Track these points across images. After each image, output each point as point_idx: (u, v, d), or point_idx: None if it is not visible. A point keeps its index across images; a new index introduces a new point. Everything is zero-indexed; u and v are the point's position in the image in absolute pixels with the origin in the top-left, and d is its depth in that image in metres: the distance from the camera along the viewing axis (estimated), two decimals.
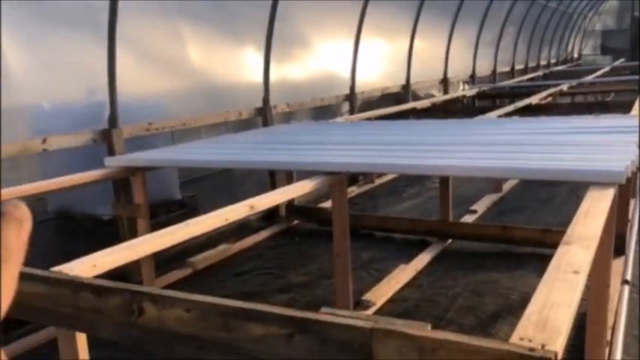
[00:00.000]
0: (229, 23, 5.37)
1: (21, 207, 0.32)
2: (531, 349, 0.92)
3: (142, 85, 4.54)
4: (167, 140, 4.67)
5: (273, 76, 5.51)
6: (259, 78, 5.44)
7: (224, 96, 5.23)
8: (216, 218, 2.06)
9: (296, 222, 5.07)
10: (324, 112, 6.29)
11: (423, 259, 4.03)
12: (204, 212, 2.17)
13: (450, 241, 4.40)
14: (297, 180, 3.27)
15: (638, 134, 2.99)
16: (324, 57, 6.73)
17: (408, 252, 4.15)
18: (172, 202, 4.75)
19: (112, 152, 3.84)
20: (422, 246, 4.29)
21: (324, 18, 6.59)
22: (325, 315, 1.11)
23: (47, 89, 4.02)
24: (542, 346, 0.94)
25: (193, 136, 4.72)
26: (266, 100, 5.42)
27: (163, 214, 4.45)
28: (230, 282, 3.85)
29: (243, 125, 5.11)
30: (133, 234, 3.41)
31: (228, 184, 4.55)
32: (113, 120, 3.92)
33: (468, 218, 4.92)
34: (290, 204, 4.95)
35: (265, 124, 5.31)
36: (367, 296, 3.37)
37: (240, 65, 5.61)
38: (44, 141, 3.52)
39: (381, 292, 3.46)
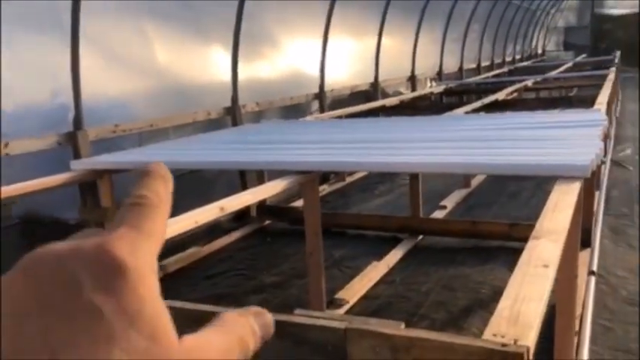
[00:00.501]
0: (197, 22, 5.31)
1: (164, 167, 0.36)
2: (504, 345, 0.92)
3: (108, 86, 4.45)
4: (135, 142, 4.59)
5: (241, 75, 5.47)
6: (228, 77, 5.40)
7: (192, 96, 5.17)
8: (185, 221, 2.03)
9: (268, 222, 5.04)
10: (293, 110, 6.28)
11: (395, 256, 4.05)
12: (174, 214, 2.14)
13: (421, 237, 4.44)
14: (269, 180, 3.25)
15: (601, 128, 3.06)
16: (293, 55, 6.72)
17: (380, 249, 4.17)
18: None
19: (77, 155, 3.76)
20: (394, 242, 4.31)
21: (293, 16, 6.57)
22: (299, 317, 1.10)
23: (9, 91, 3.91)
24: (515, 341, 0.94)
25: (161, 137, 4.64)
26: (235, 99, 5.38)
27: None
28: (201, 285, 3.81)
29: (212, 125, 5.06)
30: None
31: (198, 185, 4.50)
32: (78, 122, 3.84)
33: (438, 214, 4.97)
34: (261, 204, 4.92)
35: (234, 123, 5.27)
36: (340, 294, 3.38)
37: (209, 64, 5.55)
38: (6, 145, 3.42)
39: (354, 290, 3.47)
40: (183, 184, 4.92)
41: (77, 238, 0.30)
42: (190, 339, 0.31)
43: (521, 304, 1.08)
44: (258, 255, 4.33)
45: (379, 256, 4.02)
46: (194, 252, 4.26)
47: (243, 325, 0.35)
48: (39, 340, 0.26)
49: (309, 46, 6.88)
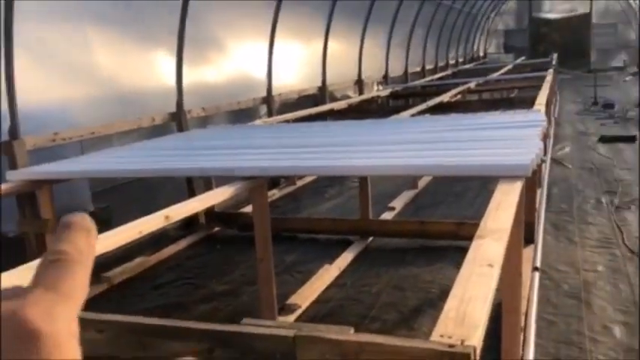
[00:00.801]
0: (141, 26, 5.19)
1: (87, 218, 0.34)
2: (451, 346, 0.93)
3: (46, 93, 4.29)
4: (77, 150, 4.44)
5: (187, 80, 5.38)
6: (173, 82, 5.30)
7: (136, 102, 5.05)
8: (129, 231, 1.97)
9: (217, 229, 4.97)
10: (241, 115, 6.22)
11: (345, 259, 4.07)
12: (119, 224, 2.07)
13: (371, 238, 4.47)
14: (216, 186, 3.20)
15: (540, 128, 3.16)
16: (240, 59, 6.66)
17: (332, 252, 4.18)
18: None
19: (14, 165, 3.60)
20: (345, 245, 4.33)
21: (239, 20, 6.52)
22: (246, 326, 1.07)
23: None
24: (462, 341, 0.95)
25: (105, 144, 4.50)
26: (180, 104, 5.28)
27: None
28: (149, 295, 3.71)
29: (157, 132, 4.95)
30: (42, 252, 3.21)
31: (144, 193, 4.39)
32: (14, 131, 3.68)
33: (387, 215, 5.03)
34: (209, 211, 4.84)
35: (180, 129, 5.17)
36: (292, 300, 3.36)
37: (153, 69, 5.43)
38: None
39: (306, 295, 3.45)
40: (127, 192, 4.80)
41: None
42: None
43: (467, 305, 1.09)
44: (207, 263, 4.26)
45: (330, 259, 4.02)
46: (141, 262, 4.15)
47: None
48: None
49: (256, 50, 6.84)
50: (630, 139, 8.09)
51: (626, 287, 3.39)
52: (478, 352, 0.95)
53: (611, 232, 4.34)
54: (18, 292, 0.29)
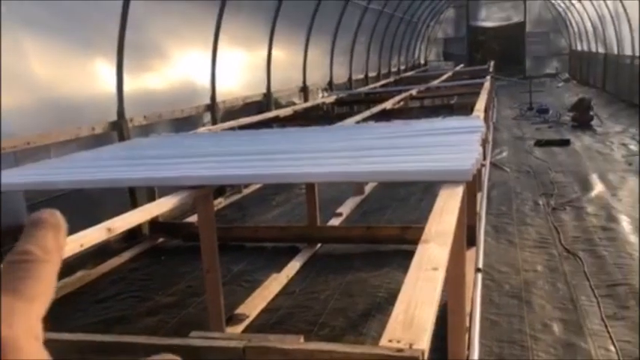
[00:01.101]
0: (79, 34, 5.02)
1: (56, 214, 0.33)
2: (399, 350, 0.95)
3: None
4: (10, 162, 4.25)
5: (128, 88, 5.25)
6: (113, 90, 5.16)
7: (75, 111, 4.88)
8: (70, 244, 1.89)
9: (161, 240, 4.87)
10: (184, 123, 6.12)
11: (294, 266, 4.06)
12: None
13: (319, 245, 4.49)
14: (160, 196, 3.14)
15: (480, 134, 3.26)
16: (183, 67, 6.56)
17: (280, 260, 4.17)
18: (20, 228, 4.32)
19: None
20: (293, 252, 4.33)
21: (181, 27, 6.42)
22: (195, 339, 1.06)
23: None
24: (410, 345, 0.97)
25: (42, 155, 4.33)
26: (121, 113, 5.15)
27: (10, 242, 4.04)
28: (91, 309, 3.59)
29: (97, 141, 4.80)
30: None
31: (85, 205, 4.25)
32: None
33: (335, 221, 5.06)
34: (154, 221, 4.73)
35: (122, 138, 5.04)
36: (240, 309, 3.32)
37: (92, 78, 5.27)
38: None
39: (255, 304, 3.43)
40: (65, 204, 4.63)
41: None
42: None
43: (415, 309, 1.11)
44: (152, 275, 4.16)
45: (279, 267, 4.01)
46: (82, 276, 4.01)
47: None
48: None
49: (200, 57, 6.76)
50: (564, 143, 8.46)
51: (564, 286, 3.54)
52: (426, 355, 0.96)
53: (548, 233, 4.52)
54: None
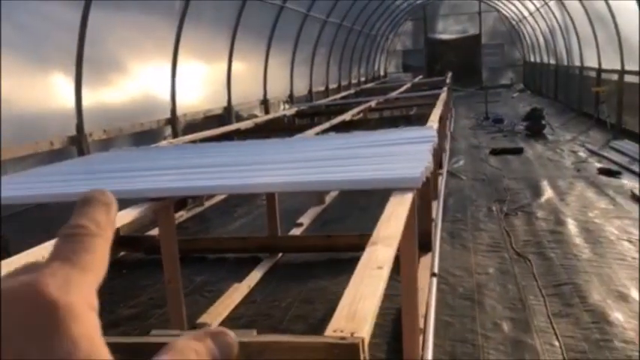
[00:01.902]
0: (35, 49, 5.01)
1: (107, 192, 0.34)
2: (342, 338, 1.05)
3: None
4: None
5: (87, 103, 5.25)
6: (72, 105, 5.15)
7: (33, 126, 4.86)
8: (31, 257, 1.94)
9: (122, 253, 4.87)
10: (145, 137, 6.13)
11: (255, 276, 4.13)
12: (17, 252, 2.03)
13: (280, 254, 4.57)
14: (120, 209, 3.17)
15: (431, 144, 3.41)
16: (143, 80, 6.58)
17: (242, 270, 4.23)
18: None
19: None
20: (254, 263, 4.39)
21: (140, 40, 6.45)
22: (155, 337, 1.14)
23: None
24: (352, 334, 1.07)
25: None
26: (80, 127, 5.14)
27: None
28: None
29: (57, 156, 4.79)
30: None
31: (44, 221, 4.22)
32: None
33: (296, 231, 5.15)
34: (115, 235, 4.73)
35: (81, 153, 5.03)
36: (202, 319, 3.38)
37: (51, 92, 5.25)
38: None
39: (217, 313, 3.48)
40: (23, 221, 4.60)
41: (10, 275, 0.28)
42: None
43: (359, 302, 1.22)
44: (113, 288, 4.16)
45: (240, 277, 4.07)
46: None
47: (198, 351, 0.31)
48: None
49: (160, 71, 6.79)
50: (518, 151, 8.78)
51: (513, 287, 3.71)
52: (367, 341, 1.07)
53: (500, 238, 4.72)
54: (33, 267, 0.29)
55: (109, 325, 3.46)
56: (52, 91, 5.27)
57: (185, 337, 0.32)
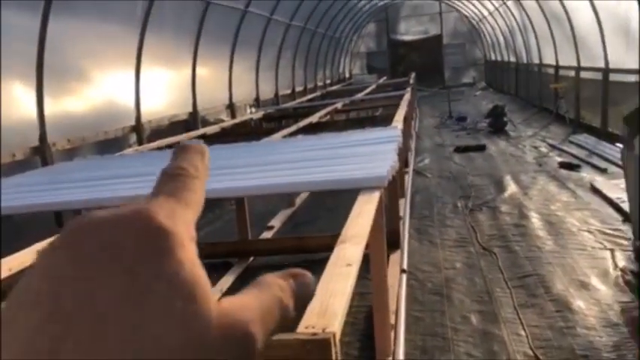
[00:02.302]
0: None
1: (201, 142, 0.37)
2: (314, 334, 1.09)
3: None
4: None
5: (49, 112, 5.17)
6: (34, 115, 5.07)
7: None
8: (24, 257, 1.93)
9: None
10: (110, 145, 6.06)
11: (227, 280, 4.14)
12: None
13: (251, 258, 4.58)
14: None
15: (396, 143, 3.48)
16: (106, 88, 6.50)
17: (212, 276, 4.13)
18: None
19: None
20: (225, 268, 4.39)
21: (102, 48, 6.37)
22: None
23: None
24: (323, 329, 1.11)
25: None
26: (43, 137, 5.06)
27: None
28: None
29: (19, 168, 4.70)
30: None
31: (9, 232, 4.15)
32: None
33: (267, 234, 5.17)
34: None
35: (45, 163, 4.95)
36: None
37: (10, 102, 5.15)
38: None
39: None
40: None
41: (116, 208, 0.30)
42: (228, 300, 0.32)
43: (329, 299, 1.26)
44: None
45: (212, 283, 4.03)
46: None
47: (282, 287, 0.34)
48: (79, 305, 0.26)
49: (123, 77, 6.72)
50: (481, 148, 8.97)
51: (480, 280, 3.81)
52: (338, 336, 1.11)
53: (466, 233, 4.83)
54: (139, 200, 0.31)
55: None
56: (12, 101, 5.17)
57: (271, 275, 0.35)
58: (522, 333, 3.02)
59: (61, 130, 5.30)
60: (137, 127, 6.70)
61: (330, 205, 6.06)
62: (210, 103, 9.02)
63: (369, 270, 2.52)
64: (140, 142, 6.53)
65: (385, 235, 2.66)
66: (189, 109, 8.32)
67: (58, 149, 5.19)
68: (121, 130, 6.44)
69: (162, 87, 7.80)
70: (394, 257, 3.90)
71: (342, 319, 1.19)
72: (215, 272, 4.30)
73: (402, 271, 3.82)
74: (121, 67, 6.74)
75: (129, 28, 6.69)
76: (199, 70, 8.51)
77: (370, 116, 9.44)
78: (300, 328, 1.13)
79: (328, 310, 1.20)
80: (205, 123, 8.51)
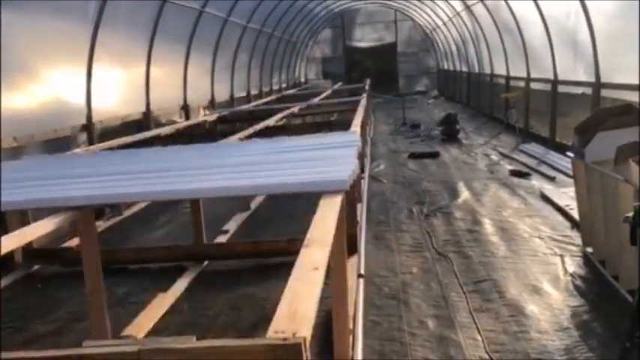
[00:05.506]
0: None
1: None
2: (284, 339, 1.05)
3: None
4: None
5: None
6: None
7: None
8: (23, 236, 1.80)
9: (37, 267, 4.60)
10: (59, 144, 5.84)
11: (181, 285, 4.03)
12: None
13: (206, 262, 4.49)
14: (34, 220, 3.00)
15: (356, 148, 3.48)
16: (55, 86, 6.26)
17: (166, 280, 4.11)
18: None
19: None
20: (179, 272, 4.29)
21: (52, 45, 6.13)
22: (88, 348, 1.09)
23: None
24: (294, 334, 1.08)
25: None
26: None
27: None
28: None
29: None
30: None
31: None
32: None
33: (222, 238, 5.08)
34: (28, 248, 4.47)
35: None
36: (127, 331, 3.25)
37: None
38: None
39: (142, 325, 3.37)
40: None
41: None
42: None
43: (298, 303, 1.23)
44: (28, 304, 3.93)
45: (165, 287, 3.96)
46: None
47: None
48: None
49: (74, 75, 6.50)
50: (434, 155, 9.12)
51: (436, 285, 3.85)
52: (308, 341, 1.08)
53: (422, 238, 4.88)
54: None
55: (24, 344, 3.27)
56: None
57: None
58: (478, 337, 3.05)
59: (7, 127, 5.07)
60: (88, 126, 6.49)
61: (287, 209, 6.03)
62: (164, 104, 8.84)
63: (327, 275, 2.50)
64: (91, 142, 6.33)
65: (345, 240, 2.64)
66: (143, 109, 8.13)
67: (4, 147, 4.97)
68: (70, 129, 6.22)
69: (115, 86, 7.58)
70: (352, 262, 3.88)
71: (312, 322, 1.17)
72: (168, 277, 4.19)
73: (360, 275, 3.81)
74: (72, 64, 6.51)
75: (81, 25, 6.48)
76: (154, 70, 8.33)
77: (326, 121, 9.46)
78: (270, 332, 1.10)
79: (297, 314, 1.17)
80: (158, 124, 8.33)
